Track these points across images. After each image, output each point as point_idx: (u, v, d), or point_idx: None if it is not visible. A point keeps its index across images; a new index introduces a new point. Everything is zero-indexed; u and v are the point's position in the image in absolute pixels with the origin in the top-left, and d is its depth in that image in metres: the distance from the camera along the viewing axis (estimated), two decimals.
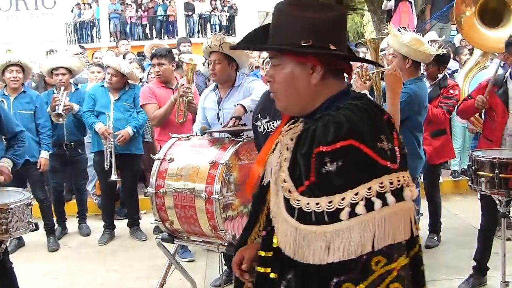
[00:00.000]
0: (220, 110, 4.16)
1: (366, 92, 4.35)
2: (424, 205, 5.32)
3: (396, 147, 1.54)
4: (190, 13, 22.92)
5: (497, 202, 3.73)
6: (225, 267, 4.56)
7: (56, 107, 5.48)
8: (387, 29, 4.52)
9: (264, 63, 6.61)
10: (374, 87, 4.45)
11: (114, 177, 5.50)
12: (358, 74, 4.50)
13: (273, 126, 2.71)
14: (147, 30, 22.75)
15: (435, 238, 5.33)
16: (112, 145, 5.48)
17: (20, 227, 3.31)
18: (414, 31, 10.37)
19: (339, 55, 1.62)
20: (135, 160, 5.84)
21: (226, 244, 3.47)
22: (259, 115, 2.85)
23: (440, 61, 4.91)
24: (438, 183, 5.42)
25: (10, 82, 5.41)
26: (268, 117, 2.76)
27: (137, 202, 6.00)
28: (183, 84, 4.92)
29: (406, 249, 1.54)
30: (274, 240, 1.62)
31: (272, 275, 1.64)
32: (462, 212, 6.28)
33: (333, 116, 1.53)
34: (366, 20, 21.57)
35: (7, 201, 3.31)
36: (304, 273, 1.53)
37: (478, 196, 4.25)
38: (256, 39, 1.74)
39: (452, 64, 7.33)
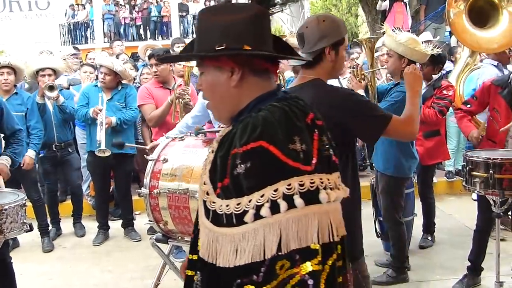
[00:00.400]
0: None
1: (362, 91, 4.37)
2: (418, 205, 5.33)
3: (314, 149, 1.49)
4: (184, 13, 22.94)
5: (492, 202, 3.74)
6: None
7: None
8: (382, 29, 4.52)
9: None
10: (369, 86, 4.47)
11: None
12: (353, 73, 4.53)
13: None
14: (141, 31, 22.73)
15: (429, 238, 5.34)
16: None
17: (14, 228, 3.28)
18: (409, 31, 10.42)
19: (255, 54, 1.59)
20: (128, 160, 5.82)
21: None
22: None
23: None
24: (431, 184, 5.43)
25: (1, 84, 5.39)
26: None
27: (131, 202, 5.99)
28: (180, 85, 4.92)
29: (323, 255, 1.44)
30: (199, 243, 1.62)
31: (195, 278, 1.64)
32: (456, 213, 6.29)
33: (252, 118, 1.52)
34: (360, 20, 21.61)
35: (1, 202, 3.28)
36: (210, 275, 1.54)
37: (474, 196, 4.27)
38: (191, 48, 1.73)
39: (447, 65, 7.34)
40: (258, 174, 1.44)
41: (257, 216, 1.42)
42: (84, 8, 22.95)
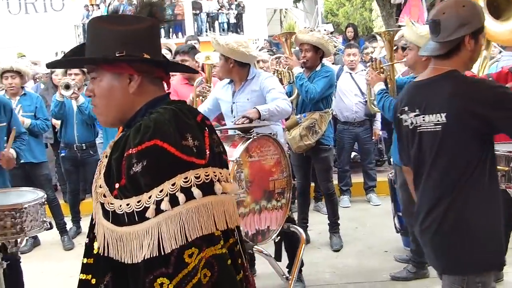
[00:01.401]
0: (234, 103, 4.16)
1: (381, 84, 4.33)
2: None
3: (206, 145, 1.59)
4: (197, 11, 22.95)
5: None
6: None
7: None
8: (397, 23, 4.48)
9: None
10: (388, 80, 4.43)
11: None
12: (372, 66, 4.49)
13: (423, 120, 2.50)
14: None
15: None
16: None
17: (34, 226, 3.35)
18: (424, 24, 10.31)
19: (155, 61, 1.70)
20: None
21: None
22: (406, 107, 2.60)
23: None
24: None
25: (8, 88, 5.56)
26: (417, 110, 2.52)
27: None
28: (200, 84, 4.94)
29: (224, 239, 1.59)
30: (95, 246, 1.64)
31: (93, 281, 1.66)
32: None
33: (144, 120, 1.58)
34: (375, 15, 21.42)
35: (22, 200, 3.34)
36: (120, 274, 1.57)
37: None
38: (77, 54, 1.77)
39: None
40: (155, 171, 1.49)
41: (159, 211, 1.47)
42: (99, 8, 23.08)
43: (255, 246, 3.50)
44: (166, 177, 1.48)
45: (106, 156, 1.63)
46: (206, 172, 1.53)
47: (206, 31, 22.85)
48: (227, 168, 1.69)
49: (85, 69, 5.70)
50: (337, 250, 5.17)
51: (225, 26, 22.83)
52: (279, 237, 3.80)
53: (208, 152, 1.58)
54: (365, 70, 5.91)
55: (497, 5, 5.48)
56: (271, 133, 3.81)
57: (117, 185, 1.54)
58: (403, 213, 4.57)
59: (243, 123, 3.70)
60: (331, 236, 5.30)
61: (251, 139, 3.53)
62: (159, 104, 1.66)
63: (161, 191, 1.47)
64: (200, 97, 4.93)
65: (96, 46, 1.67)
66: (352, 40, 9.91)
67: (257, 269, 4.65)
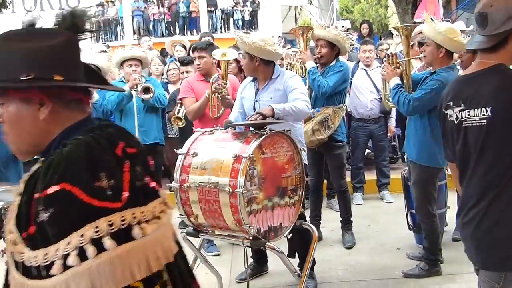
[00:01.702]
0: (256, 101, 4.17)
1: (397, 79, 4.32)
2: (452, 197, 5.23)
3: (125, 182, 1.39)
4: (212, 8, 23.00)
5: None
6: (251, 261, 4.59)
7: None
8: (413, 20, 4.47)
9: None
10: (404, 76, 4.41)
11: None
12: (388, 61, 4.48)
13: (468, 114, 2.48)
14: (171, 27, 22.88)
15: None
16: None
17: None
18: (441, 21, 10.23)
19: (67, 86, 1.49)
20: (158, 154, 5.90)
21: (250, 238, 3.46)
22: (451, 102, 2.57)
23: (476, 49, 4.81)
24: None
25: None
26: (462, 105, 2.50)
27: None
28: (216, 81, 4.95)
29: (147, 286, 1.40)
30: None
31: None
32: None
33: (56, 154, 1.39)
34: (390, 12, 21.32)
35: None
36: None
37: None
38: None
39: None
40: (63, 220, 1.32)
41: (66, 267, 1.30)
42: (114, 5, 23.21)
43: (267, 243, 3.50)
44: (74, 227, 1.30)
45: (19, 194, 1.44)
46: (123, 217, 1.34)
47: (221, 28, 22.92)
48: (156, 197, 1.46)
49: (99, 65, 5.84)
50: (349, 247, 5.16)
51: (240, 23, 22.83)
52: (291, 234, 3.80)
53: (127, 192, 1.38)
54: (380, 66, 5.90)
55: None
56: (284, 130, 3.81)
57: (24, 234, 1.37)
58: (416, 210, 4.55)
59: (256, 120, 3.70)
60: (344, 233, 5.29)
61: (264, 136, 3.52)
62: (75, 133, 1.46)
63: (68, 243, 1.29)
64: (216, 94, 4.94)
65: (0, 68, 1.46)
66: (367, 36, 9.87)
67: (269, 266, 4.67)
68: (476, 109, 2.40)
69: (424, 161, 4.25)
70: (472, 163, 2.45)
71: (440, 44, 4.08)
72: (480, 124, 2.39)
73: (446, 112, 2.58)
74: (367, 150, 7.11)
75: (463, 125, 2.46)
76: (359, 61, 6.81)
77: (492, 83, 2.39)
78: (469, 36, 4.32)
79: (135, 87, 5.63)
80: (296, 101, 3.93)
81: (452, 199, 5.16)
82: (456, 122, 2.51)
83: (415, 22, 8.68)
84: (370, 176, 7.03)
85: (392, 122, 6.81)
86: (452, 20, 10.03)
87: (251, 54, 4.08)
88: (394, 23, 16.80)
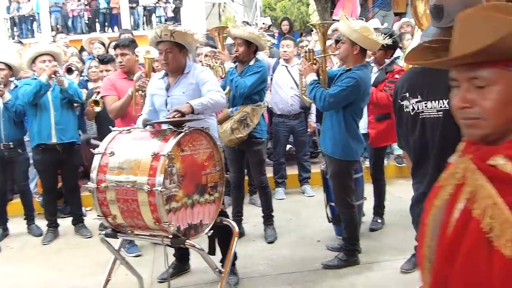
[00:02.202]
0: (168, 96, 4.12)
1: (314, 75, 4.42)
2: (369, 189, 5.43)
3: None
4: (134, 5, 22.50)
5: None
6: (173, 259, 4.56)
7: None
8: (332, 17, 4.58)
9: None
10: (320, 72, 4.51)
11: None
12: (306, 57, 4.56)
13: (425, 106, 2.50)
14: (91, 24, 22.23)
15: (379, 221, 5.45)
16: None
17: None
18: (357, 19, 10.53)
19: None
20: (75, 154, 5.71)
21: (170, 236, 3.44)
22: (407, 93, 2.59)
23: (388, 46, 5.00)
24: (383, 166, 5.55)
25: None
26: (419, 96, 2.53)
27: (80, 198, 5.89)
28: (140, 79, 4.87)
29: None
30: None
31: None
32: (406, 195, 6.37)
33: None
34: (311, 9, 21.75)
35: None
36: None
37: None
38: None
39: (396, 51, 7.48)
40: None
41: None
42: (29, 1, 22.25)
43: (187, 241, 3.48)
44: None
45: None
46: None
47: (143, 25, 22.50)
48: None
49: (11, 63, 5.62)
50: (271, 242, 5.23)
51: (163, 20, 22.47)
52: (212, 231, 3.80)
53: None
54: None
55: None
56: (203, 127, 3.81)
57: None
58: (335, 202, 4.68)
59: (174, 117, 3.68)
60: (265, 228, 5.36)
61: (182, 133, 3.50)
62: None
63: None
64: (139, 92, 4.87)
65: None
66: (288, 33, 10.02)
67: (191, 263, 4.66)
68: (433, 101, 2.47)
69: (339, 154, 4.38)
70: (428, 154, 2.51)
71: (355, 42, 4.21)
72: (437, 116, 2.45)
73: (402, 103, 2.61)
74: (288, 146, 7.23)
75: (420, 117, 2.51)
76: (280, 57, 6.91)
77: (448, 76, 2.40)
78: (382, 34, 4.50)
79: (53, 75, 5.32)
80: (210, 93, 3.95)
81: (368, 191, 5.37)
82: (412, 113, 2.55)
83: (333, 20, 8.90)
84: (292, 171, 7.14)
85: (312, 117, 6.95)
86: (369, 18, 10.39)
87: (181, 45, 4.05)
88: (315, 20, 17.15)
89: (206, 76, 4.11)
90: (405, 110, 2.59)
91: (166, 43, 4.02)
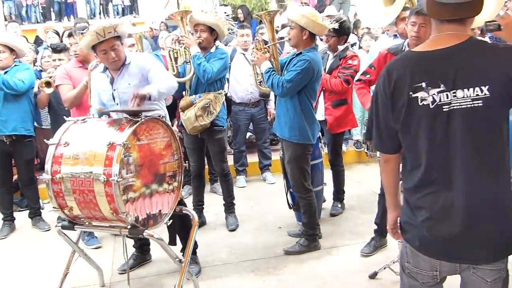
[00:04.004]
0: (114, 90, 4.03)
1: (268, 62, 4.42)
2: (329, 174, 5.48)
3: None
4: None
5: None
6: (133, 250, 4.51)
7: None
8: (286, 2, 4.57)
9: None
10: (272, 59, 4.51)
11: None
12: (256, 47, 4.55)
13: (454, 96, 2.06)
14: (46, 13, 21.68)
15: (339, 206, 5.52)
16: None
17: None
18: (316, 6, 10.59)
19: None
20: (27, 146, 5.54)
21: (128, 227, 3.39)
22: (424, 83, 2.11)
23: (340, 32, 5.04)
24: (340, 152, 5.60)
25: None
26: (443, 85, 2.08)
27: (37, 191, 5.76)
28: (95, 68, 4.75)
29: None
30: None
31: None
32: (365, 180, 6.53)
33: None
34: None
35: None
36: None
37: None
38: None
39: (351, 38, 7.54)
40: None
41: None
42: None
43: (146, 231, 3.44)
44: None
45: None
46: None
47: (100, 14, 22.07)
48: None
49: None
50: (233, 230, 5.23)
51: (119, 9, 22.13)
52: (171, 221, 3.77)
53: None
54: None
55: None
56: (160, 116, 3.76)
57: None
58: (293, 187, 4.71)
59: (136, 103, 3.63)
60: (227, 216, 5.36)
61: (139, 122, 3.45)
62: None
63: None
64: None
65: None
66: (244, 21, 9.99)
67: (152, 254, 4.62)
68: (466, 89, 2.05)
69: (296, 138, 4.40)
70: (454, 155, 2.10)
71: (304, 27, 4.23)
72: (472, 106, 2.04)
73: (414, 95, 2.13)
74: (248, 134, 7.22)
75: (445, 109, 2.08)
76: (236, 46, 6.87)
77: (483, 58, 2.07)
78: (334, 21, 4.54)
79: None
80: (160, 78, 3.91)
81: (328, 177, 5.42)
82: (432, 106, 2.09)
83: (278, 8, 8.81)
84: (253, 158, 7.15)
85: (272, 104, 6.94)
86: (326, 5, 10.45)
87: (119, 38, 3.96)
88: (274, 7, 17.11)
89: (148, 62, 4.06)
90: (420, 104, 2.11)
91: (110, 41, 3.85)
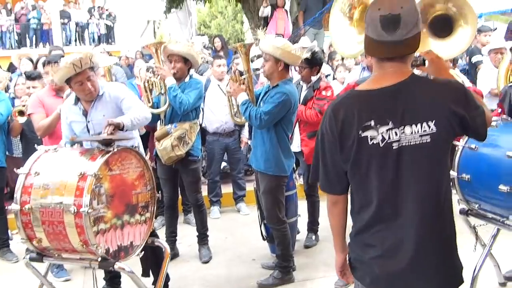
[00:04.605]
0: (89, 122, 3.99)
1: (244, 94, 4.43)
2: (303, 206, 5.46)
3: None
4: (66, 21, 22.05)
5: None
6: (103, 283, 4.41)
7: None
8: (258, 35, 4.61)
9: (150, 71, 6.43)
10: (248, 91, 4.53)
11: None
12: (232, 79, 4.57)
13: (403, 133, 2.08)
14: (21, 39, 21.58)
15: (313, 237, 5.50)
16: None
17: None
18: (290, 37, 10.72)
19: None
20: None
21: (99, 259, 3.32)
22: (372, 122, 2.11)
23: (312, 63, 5.10)
24: (316, 183, 5.58)
25: None
26: (391, 123, 2.09)
27: (5, 221, 5.62)
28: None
29: None
30: None
31: None
32: None
33: None
34: (246, 27, 21.97)
35: None
36: None
37: None
38: None
39: (326, 69, 7.65)
40: None
41: None
42: None
43: (117, 263, 3.37)
44: None
45: None
46: None
47: (76, 41, 22.06)
48: None
49: None
50: (206, 262, 5.15)
51: (95, 36, 22.17)
52: (143, 252, 3.70)
53: None
54: None
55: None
56: (133, 146, 3.74)
57: None
58: (267, 219, 4.68)
59: (110, 131, 3.59)
60: (200, 248, 5.28)
61: (111, 152, 3.42)
62: None
63: None
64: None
65: None
66: (220, 50, 10.04)
67: (123, 287, 4.51)
68: (414, 125, 2.07)
69: (272, 170, 4.39)
70: (403, 194, 2.11)
71: (279, 58, 4.26)
72: (421, 141, 2.08)
73: (364, 134, 2.11)
74: (223, 164, 7.19)
75: (395, 147, 2.09)
76: (210, 75, 6.89)
77: (426, 94, 2.11)
78: (310, 51, 4.60)
79: None
80: (134, 108, 3.90)
81: (302, 208, 5.40)
82: (382, 145, 2.10)
83: (253, 41, 8.90)
84: (227, 189, 7.11)
85: (245, 133, 6.93)
86: (301, 35, 10.59)
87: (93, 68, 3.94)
88: (250, 38, 17.32)
89: (122, 92, 4.05)
90: (370, 143, 2.11)
91: (85, 72, 3.83)
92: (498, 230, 3.82)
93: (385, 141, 2.09)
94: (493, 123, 3.63)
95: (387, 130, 2.09)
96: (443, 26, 3.07)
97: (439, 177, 2.14)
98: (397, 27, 2.05)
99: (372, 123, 2.10)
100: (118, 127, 3.67)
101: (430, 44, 3.26)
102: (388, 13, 2.06)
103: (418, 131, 2.07)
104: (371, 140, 2.11)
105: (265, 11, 11.84)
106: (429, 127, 2.07)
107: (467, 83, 5.67)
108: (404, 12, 2.06)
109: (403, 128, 2.08)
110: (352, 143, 2.14)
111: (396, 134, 2.09)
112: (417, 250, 2.10)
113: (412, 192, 2.10)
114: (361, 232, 2.23)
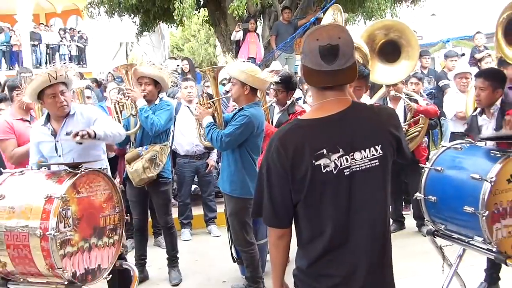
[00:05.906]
0: (58, 141, 3.96)
1: (210, 117, 4.47)
2: None
3: None
4: (36, 42, 21.88)
5: None
6: None
7: None
8: (226, 59, 4.67)
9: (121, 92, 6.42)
10: (216, 115, 4.57)
11: None
12: (200, 102, 4.61)
13: (353, 160, 2.13)
14: None
15: None
16: None
17: None
18: (262, 60, 10.83)
19: None
20: None
21: (65, 283, 3.27)
22: (324, 150, 2.12)
23: (288, 87, 5.19)
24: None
25: None
26: (341, 150, 2.12)
27: None
28: None
29: None
30: None
31: None
32: None
33: None
34: (218, 50, 22.12)
35: None
36: None
37: None
38: None
39: (296, 92, 7.73)
40: None
41: None
42: None
43: (84, 287, 3.33)
44: None
45: None
46: None
47: (46, 63, 21.87)
48: None
49: None
50: (176, 285, 5.12)
51: (67, 58, 22.01)
52: (111, 276, 3.67)
53: None
54: None
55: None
56: (101, 168, 3.72)
57: None
58: (234, 240, 4.68)
59: (82, 136, 3.60)
60: (170, 270, 5.24)
61: (78, 175, 3.40)
62: None
63: None
64: None
65: None
66: (188, 73, 10.11)
67: None
68: (363, 151, 2.14)
69: (237, 192, 4.42)
70: (355, 214, 2.14)
71: (245, 82, 4.32)
72: (370, 165, 2.14)
73: (317, 163, 2.11)
74: (193, 186, 7.18)
75: (346, 173, 2.12)
76: (181, 98, 6.91)
77: (370, 120, 2.21)
78: (280, 76, 4.67)
79: None
80: (108, 124, 3.92)
81: None
82: (335, 172, 2.12)
83: (223, 65, 9.00)
84: (198, 211, 7.08)
85: (213, 156, 6.89)
86: (273, 59, 10.72)
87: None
88: (223, 61, 17.47)
89: (95, 113, 4.07)
90: (323, 171, 2.11)
91: (59, 85, 3.85)
92: (464, 250, 3.89)
93: (338, 168, 2.12)
94: (458, 146, 3.74)
95: (338, 157, 2.12)
96: (391, 52, 3.21)
97: (386, 201, 2.23)
98: (336, 57, 2.10)
99: (325, 151, 2.12)
100: (90, 136, 3.66)
101: (381, 70, 3.38)
102: (327, 43, 2.10)
103: (367, 156, 2.14)
104: (324, 168, 2.12)
105: (237, 35, 11.97)
106: (377, 150, 2.15)
107: (421, 102, 5.84)
108: (342, 43, 2.11)
109: (353, 154, 2.13)
110: (305, 173, 2.13)
111: (347, 161, 2.13)
112: (367, 277, 2.16)
113: (363, 217, 2.15)
114: (315, 262, 2.21)
